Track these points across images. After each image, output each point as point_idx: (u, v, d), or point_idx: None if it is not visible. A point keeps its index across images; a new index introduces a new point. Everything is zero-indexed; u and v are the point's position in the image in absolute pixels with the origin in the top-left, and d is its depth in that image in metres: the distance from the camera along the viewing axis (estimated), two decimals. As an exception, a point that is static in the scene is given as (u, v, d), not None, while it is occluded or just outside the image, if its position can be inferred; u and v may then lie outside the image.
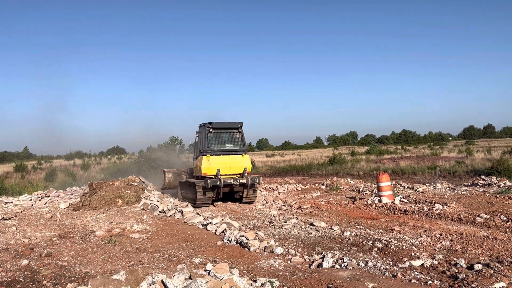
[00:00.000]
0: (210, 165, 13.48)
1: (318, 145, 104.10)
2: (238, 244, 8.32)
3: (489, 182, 17.85)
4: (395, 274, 6.11)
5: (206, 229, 9.86)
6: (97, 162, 54.64)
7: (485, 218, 9.90)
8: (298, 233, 9.32)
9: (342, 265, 6.68)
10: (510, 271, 5.88)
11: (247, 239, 8.28)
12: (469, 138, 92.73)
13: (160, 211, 12.29)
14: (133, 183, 14.91)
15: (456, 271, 6.10)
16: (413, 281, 5.81)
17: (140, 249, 7.93)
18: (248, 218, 11.48)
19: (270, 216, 11.68)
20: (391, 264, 6.70)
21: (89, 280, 4.52)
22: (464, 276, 5.78)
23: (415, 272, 6.18)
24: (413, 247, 7.58)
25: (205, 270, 5.37)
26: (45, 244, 8.42)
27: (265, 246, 7.94)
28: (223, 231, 9.32)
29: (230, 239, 8.55)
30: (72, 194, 17.40)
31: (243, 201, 14.50)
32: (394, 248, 7.51)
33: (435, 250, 7.44)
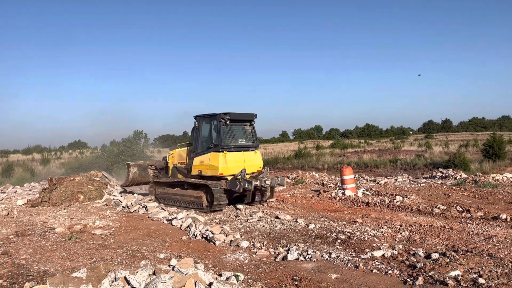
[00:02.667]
0: (227, 164, 11.45)
1: (284, 139, 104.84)
2: (203, 239, 8.29)
3: (446, 174, 18.60)
4: (358, 264, 6.27)
5: (171, 224, 9.76)
6: (57, 156, 52.80)
7: (442, 209, 10.31)
8: (263, 226, 9.38)
9: (307, 257, 6.79)
10: (465, 259, 6.15)
11: (212, 234, 8.26)
12: (429, 132, 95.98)
13: (123, 207, 12.06)
14: (95, 178, 14.53)
15: (415, 260, 6.32)
16: (374, 271, 5.98)
17: (102, 245, 7.75)
18: (214, 213, 11.45)
19: (236, 210, 11.69)
20: (354, 255, 6.86)
21: (48, 278, 4.38)
22: (422, 265, 6.00)
23: (376, 263, 6.36)
24: (375, 238, 7.79)
25: (169, 266, 5.31)
26: (1, 242, 8.08)
27: (231, 240, 7.95)
28: (188, 226, 9.25)
29: (195, 234, 8.50)
30: (30, 190, 16.76)
31: (260, 202, 12.66)
32: (357, 240, 7.70)
33: (396, 240, 7.68)
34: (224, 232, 8.46)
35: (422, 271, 5.78)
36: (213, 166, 11.48)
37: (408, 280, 5.50)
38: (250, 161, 11.98)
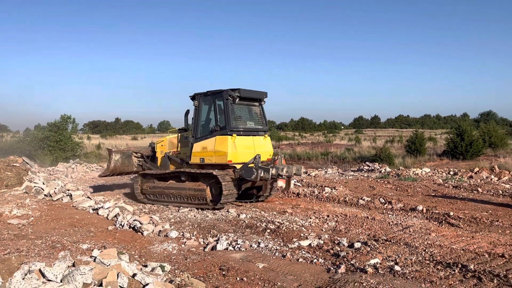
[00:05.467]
0: (236, 149, 9.93)
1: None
2: (131, 229, 8.03)
3: (373, 168, 19.63)
4: (285, 254, 6.41)
5: (97, 213, 9.34)
6: (-27, 140, 48.44)
7: (367, 200, 10.85)
8: (194, 216, 9.29)
9: (236, 247, 6.82)
10: (384, 248, 6.51)
11: (140, 224, 8.03)
12: (359, 128, 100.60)
13: (45, 195, 11.33)
14: (14, 164, 13.53)
15: (339, 249, 6.59)
16: (300, 260, 6.15)
17: (19, 236, 7.21)
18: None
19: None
20: (282, 244, 7.01)
21: (-50, 272, 3.98)
22: (345, 253, 6.28)
23: (303, 252, 6.54)
24: (303, 228, 8.02)
25: (91, 257, 5.07)
26: None
27: (160, 230, 7.78)
28: (115, 216, 8.91)
29: (122, 224, 8.21)
30: None
31: (264, 198, 11.14)
32: (286, 230, 7.87)
33: (322, 230, 7.96)
34: (153, 222, 8.26)
35: (345, 259, 6.03)
36: (220, 152, 9.88)
37: (332, 268, 5.71)
38: (260, 148, 10.47)
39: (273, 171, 9.85)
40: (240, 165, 9.93)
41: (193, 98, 10.76)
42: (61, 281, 4.05)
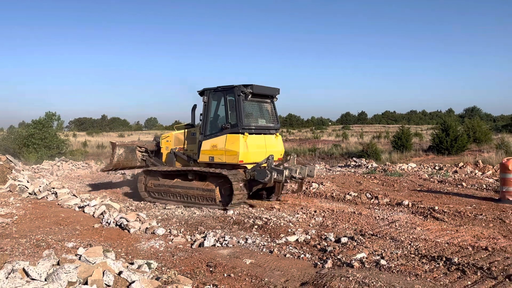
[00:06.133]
0: (248, 149, 9.51)
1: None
2: (117, 226, 7.97)
3: (360, 163, 19.78)
4: (272, 250, 6.43)
5: (83, 211, 9.24)
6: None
7: (354, 196, 10.93)
8: (182, 213, 9.25)
9: (223, 243, 6.82)
10: (370, 243, 6.58)
11: (127, 221, 7.97)
12: (346, 124, 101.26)
13: (30, 193, 11.15)
14: (-2, 162, 13.28)
15: (326, 244, 6.63)
16: (287, 255, 6.18)
17: (2, 234, 7.10)
18: (131, 200, 11.06)
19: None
20: (269, 240, 7.03)
21: None
22: (332, 248, 6.32)
23: (290, 247, 6.57)
24: (290, 224, 8.05)
25: (76, 255, 5.01)
26: None
27: (147, 228, 7.73)
28: (102, 213, 8.83)
29: (109, 221, 8.13)
30: None
31: (276, 198, 10.65)
32: (273, 225, 7.89)
33: (309, 226, 7.99)
34: (139, 220, 8.20)
35: (332, 254, 6.08)
36: (231, 151, 9.42)
37: (319, 263, 5.75)
38: (271, 147, 10.11)
39: (286, 172, 9.43)
40: (251, 165, 9.56)
41: (201, 93, 10.25)
42: (45, 280, 4.00)
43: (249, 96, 9.62)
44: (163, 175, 10.60)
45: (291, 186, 12.03)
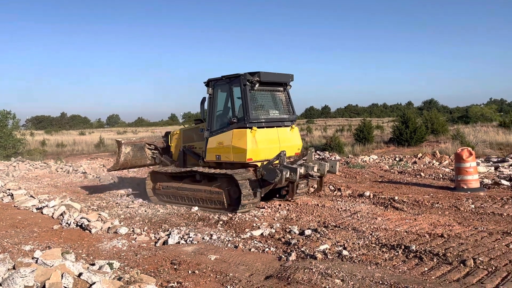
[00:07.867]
0: (257, 145, 8.60)
1: (173, 122, 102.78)
2: (78, 227, 7.76)
3: (323, 156, 20.12)
4: (237, 245, 6.44)
5: (42, 213, 8.94)
6: None
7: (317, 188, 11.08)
8: (145, 211, 9.11)
9: (188, 240, 6.78)
10: (333, 234, 6.71)
11: (88, 221, 7.77)
12: (310, 117, 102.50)
13: (-16, 196, 10.68)
14: None
15: (290, 237, 6.71)
16: (252, 249, 6.21)
17: (-47, 240, 6.77)
18: (93, 199, 10.77)
19: (117, 196, 11.16)
20: (234, 235, 7.04)
21: None
22: (296, 241, 6.41)
23: (255, 242, 6.61)
24: (255, 218, 8.09)
25: (33, 258, 4.84)
26: None
27: (109, 227, 7.57)
28: (61, 214, 8.56)
29: (69, 222, 7.90)
30: None
31: (292, 197, 9.41)
32: (238, 221, 7.91)
33: (274, 219, 8.06)
34: (101, 219, 8.01)
35: (296, 247, 6.16)
36: (238, 148, 8.53)
37: (283, 256, 5.82)
38: (286, 141, 9.10)
39: (301, 170, 8.41)
40: (262, 163, 8.64)
41: (207, 84, 9.35)
42: (0, 285, 3.85)
43: (257, 85, 8.71)
44: (169, 176, 9.96)
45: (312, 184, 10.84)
